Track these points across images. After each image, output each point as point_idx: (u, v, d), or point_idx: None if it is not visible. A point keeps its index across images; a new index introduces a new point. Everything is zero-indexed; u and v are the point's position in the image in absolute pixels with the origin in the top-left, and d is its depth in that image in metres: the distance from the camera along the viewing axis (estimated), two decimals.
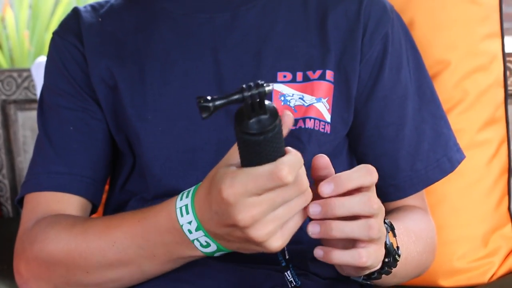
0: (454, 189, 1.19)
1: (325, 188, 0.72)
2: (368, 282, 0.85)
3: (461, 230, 1.19)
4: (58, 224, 0.93)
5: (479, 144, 1.20)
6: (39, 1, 2.61)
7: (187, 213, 0.78)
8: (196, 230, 0.78)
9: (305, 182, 0.71)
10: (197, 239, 0.79)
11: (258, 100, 0.64)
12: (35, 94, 1.67)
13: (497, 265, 1.21)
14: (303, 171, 0.71)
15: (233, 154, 0.73)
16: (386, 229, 0.82)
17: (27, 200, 1.01)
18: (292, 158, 0.69)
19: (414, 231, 0.95)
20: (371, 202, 0.73)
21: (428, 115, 1.01)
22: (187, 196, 0.79)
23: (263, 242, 0.71)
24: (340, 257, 0.74)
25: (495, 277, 1.20)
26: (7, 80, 1.69)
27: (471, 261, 1.19)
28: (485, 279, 1.20)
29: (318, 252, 0.75)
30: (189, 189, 0.80)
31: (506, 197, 1.23)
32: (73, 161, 1.00)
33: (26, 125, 1.69)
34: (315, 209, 0.73)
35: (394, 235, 0.84)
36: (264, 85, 0.64)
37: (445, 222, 1.18)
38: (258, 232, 0.71)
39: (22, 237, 0.97)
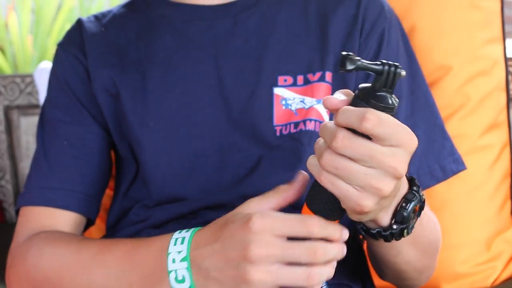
0: (457, 194, 1.19)
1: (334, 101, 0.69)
2: (363, 234, 0.82)
3: (464, 235, 1.19)
4: (54, 242, 0.94)
5: (481, 148, 1.20)
6: (42, 5, 2.61)
7: (182, 243, 0.79)
8: (181, 260, 0.78)
9: (320, 257, 0.73)
10: (175, 270, 0.79)
11: (392, 78, 0.67)
12: (38, 100, 1.68)
13: (500, 269, 1.21)
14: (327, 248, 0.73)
15: (256, 204, 0.77)
16: (413, 200, 0.78)
17: (21, 214, 1.02)
18: (326, 222, 0.73)
19: (433, 220, 0.94)
20: (333, 136, 0.67)
21: (421, 121, 1.00)
22: (187, 231, 0.81)
23: (251, 286, 0.73)
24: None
25: (497, 282, 1.20)
26: (10, 85, 1.69)
27: (474, 266, 1.19)
28: (487, 283, 1.20)
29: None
30: (192, 228, 0.82)
31: (509, 201, 1.23)
32: (65, 177, 1.01)
33: (29, 130, 1.70)
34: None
35: (419, 214, 0.81)
36: (400, 68, 0.67)
37: (447, 227, 1.18)
38: (255, 274, 0.72)
39: (13, 251, 0.98)
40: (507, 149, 1.23)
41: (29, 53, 2.51)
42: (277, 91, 0.97)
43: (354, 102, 0.69)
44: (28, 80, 1.69)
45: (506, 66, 1.23)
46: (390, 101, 0.68)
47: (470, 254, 1.19)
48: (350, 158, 0.67)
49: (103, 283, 0.87)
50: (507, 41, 1.24)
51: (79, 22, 1.07)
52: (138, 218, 1.00)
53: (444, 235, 1.14)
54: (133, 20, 1.05)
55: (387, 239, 0.79)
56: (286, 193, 0.77)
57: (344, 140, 0.67)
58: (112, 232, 1.04)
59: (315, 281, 0.73)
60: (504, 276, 1.21)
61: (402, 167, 0.67)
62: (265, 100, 0.96)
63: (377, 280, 1.05)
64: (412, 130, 0.97)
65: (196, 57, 0.99)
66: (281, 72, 0.97)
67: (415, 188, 0.79)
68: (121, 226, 1.03)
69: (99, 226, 1.29)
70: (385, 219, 0.78)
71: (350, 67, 0.66)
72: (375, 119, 0.66)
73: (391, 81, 0.67)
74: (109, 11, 1.09)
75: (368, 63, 0.67)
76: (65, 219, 1.00)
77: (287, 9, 1.02)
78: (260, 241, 0.72)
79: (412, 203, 0.78)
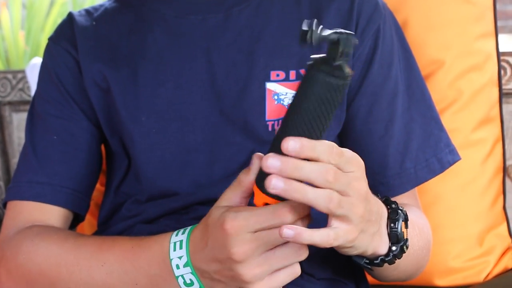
0: (449, 189, 1.19)
1: (290, 144, 0.68)
2: (369, 267, 0.85)
3: (456, 230, 1.19)
4: (49, 237, 0.94)
5: (473, 143, 1.20)
6: (34, 1, 2.60)
7: (180, 248, 0.81)
8: (184, 266, 0.80)
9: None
10: (182, 275, 0.80)
11: (348, 47, 0.68)
12: (30, 96, 1.67)
13: (493, 264, 1.21)
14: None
15: (229, 196, 0.77)
16: (398, 218, 0.82)
17: (9, 207, 1.02)
18: (295, 206, 0.72)
19: (418, 225, 0.95)
20: (327, 173, 0.69)
21: (417, 115, 1.01)
22: (183, 233, 0.82)
23: (249, 283, 0.75)
24: (309, 236, 0.70)
25: (490, 276, 1.20)
26: (1, 81, 1.68)
27: (467, 260, 1.19)
28: (480, 278, 1.20)
29: (288, 232, 0.70)
30: (186, 227, 0.82)
31: (501, 196, 1.23)
32: (54, 172, 1.01)
33: (21, 126, 1.69)
34: (272, 162, 0.69)
35: (406, 226, 0.84)
36: (354, 35, 0.68)
37: (440, 222, 1.18)
38: (247, 271, 0.74)
39: (2, 244, 0.98)
40: (500, 144, 1.23)
41: (21, 49, 2.50)
42: (269, 86, 0.96)
43: (309, 73, 0.69)
44: (19, 76, 1.68)
45: (499, 60, 1.23)
46: (345, 71, 0.68)
47: (462, 249, 1.19)
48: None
49: (105, 280, 0.87)
50: (500, 36, 1.24)
51: (70, 16, 1.07)
52: (130, 213, 1.00)
53: (436, 230, 1.14)
54: (125, 15, 1.05)
55: (391, 261, 0.83)
56: (247, 179, 0.76)
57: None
58: (104, 227, 1.04)
59: (306, 252, 0.76)
60: (497, 271, 1.21)
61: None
62: (258, 95, 0.96)
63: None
64: (409, 124, 1.00)
65: (188, 51, 0.99)
66: (273, 67, 0.97)
67: (393, 205, 0.83)
68: (113, 222, 1.03)
69: (90, 222, 1.29)
70: (383, 247, 0.82)
71: (315, 42, 0.67)
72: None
73: (348, 49, 0.68)
74: (101, 5, 1.08)
75: (326, 34, 0.67)
76: (54, 214, 1.00)
77: (280, 4, 1.01)
78: (239, 241, 0.73)
79: (400, 221, 0.82)
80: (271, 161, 0.69)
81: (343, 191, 0.71)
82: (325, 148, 0.70)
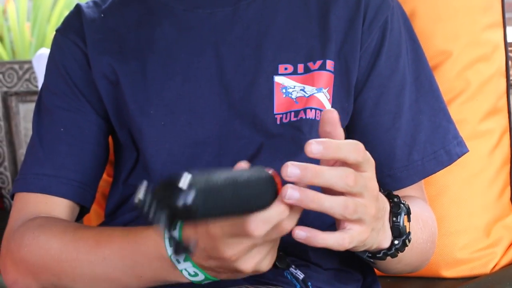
0: (456, 180, 1.19)
1: (314, 147, 0.68)
2: (372, 261, 0.85)
3: (463, 221, 1.19)
4: (49, 230, 0.94)
5: (481, 134, 1.20)
6: None
7: None
8: (184, 261, 0.80)
9: (287, 228, 0.71)
10: (185, 269, 0.81)
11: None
12: (36, 86, 1.67)
13: (500, 255, 1.21)
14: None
15: None
16: (400, 212, 0.83)
17: (16, 199, 1.02)
18: (269, 213, 0.68)
19: (421, 218, 0.95)
20: (347, 178, 0.69)
21: (426, 107, 1.01)
22: (174, 229, 0.80)
23: (252, 272, 0.76)
24: (322, 240, 0.70)
25: (497, 268, 1.20)
26: (8, 72, 1.69)
27: (473, 252, 1.19)
28: (487, 269, 1.20)
29: (300, 233, 0.70)
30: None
31: (509, 188, 1.23)
32: (61, 164, 1.01)
33: (28, 117, 1.70)
34: (293, 171, 0.67)
35: (409, 220, 0.85)
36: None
37: (447, 213, 1.18)
38: (246, 265, 0.75)
39: (8, 236, 0.99)
40: (507, 135, 1.23)
41: (27, 40, 2.51)
42: (277, 79, 0.96)
43: None
44: (26, 66, 1.69)
45: (506, 51, 1.22)
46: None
47: (469, 240, 1.19)
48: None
49: (108, 275, 0.88)
50: (508, 28, 1.23)
51: (77, 8, 1.06)
52: None
53: (443, 222, 1.15)
54: (133, 8, 1.05)
55: (394, 255, 0.83)
56: None
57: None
58: (111, 218, 1.05)
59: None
60: (504, 262, 1.21)
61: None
62: (266, 88, 0.96)
63: None
64: (417, 116, 1.00)
65: (197, 45, 0.99)
66: (281, 61, 0.97)
67: (395, 199, 0.84)
68: (120, 212, 1.03)
69: (97, 213, 1.29)
70: (386, 241, 0.82)
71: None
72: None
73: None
74: None
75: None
76: (60, 207, 1.00)
77: None
78: (227, 243, 0.73)
79: (402, 215, 0.83)
80: (291, 169, 0.68)
81: (360, 194, 0.71)
82: (352, 147, 0.70)
